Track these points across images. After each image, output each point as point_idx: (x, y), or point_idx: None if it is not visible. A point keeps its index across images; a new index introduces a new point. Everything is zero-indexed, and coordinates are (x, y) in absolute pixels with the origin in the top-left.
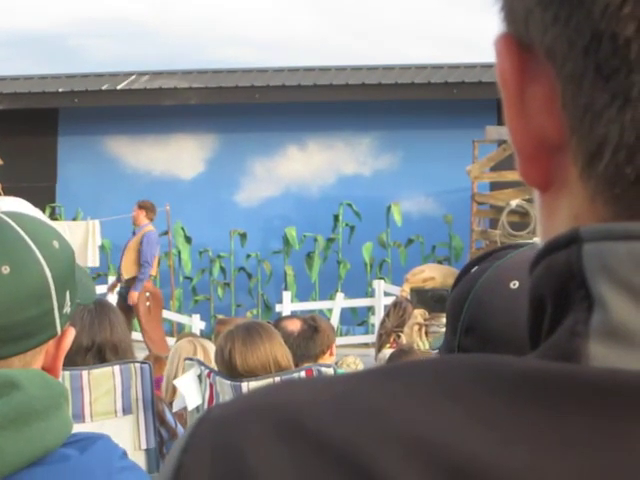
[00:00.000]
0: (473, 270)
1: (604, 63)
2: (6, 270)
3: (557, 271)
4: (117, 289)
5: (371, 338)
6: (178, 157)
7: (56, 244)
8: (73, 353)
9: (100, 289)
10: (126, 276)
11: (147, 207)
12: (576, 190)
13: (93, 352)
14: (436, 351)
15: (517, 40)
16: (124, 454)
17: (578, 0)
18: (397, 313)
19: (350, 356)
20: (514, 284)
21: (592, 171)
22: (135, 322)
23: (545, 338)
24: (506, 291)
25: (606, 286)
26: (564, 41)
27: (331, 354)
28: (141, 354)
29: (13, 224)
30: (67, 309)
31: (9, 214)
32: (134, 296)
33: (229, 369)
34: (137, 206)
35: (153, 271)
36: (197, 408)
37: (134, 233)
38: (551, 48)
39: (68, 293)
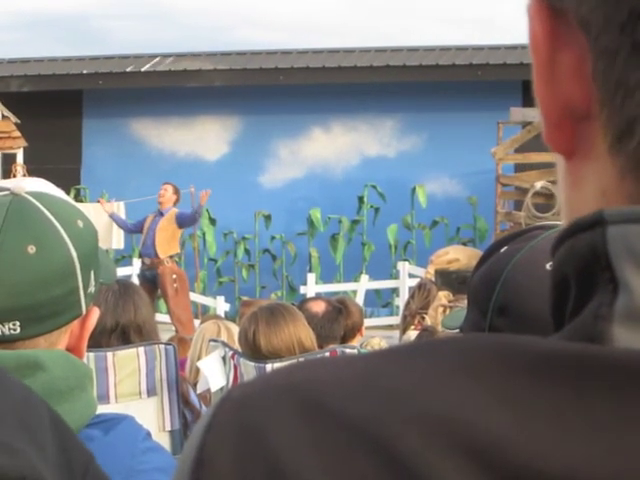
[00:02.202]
0: (502, 250)
1: None
2: (32, 250)
3: (581, 253)
4: (138, 271)
5: (395, 320)
6: (202, 139)
7: (80, 224)
8: (97, 334)
9: (125, 271)
10: (162, 256)
11: (179, 194)
12: (605, 164)
13: (117, 333)
14: (454, 331)
15: (550, 5)
16: (148, 435)
17: None
18: (421, 295)
19: (375, 337)
20: (550, 265)
21: (622, 148)
22: (160, 303)
23: (569, 320)
24: (542, 273)
25: (631, 269)
26: (600, 15)
27: (361, 335)
28: (166, 336)
29: (38, 204)
30: (91, 289)
31: (34, 194)
32: (167, 267)
33: (253, 351)
34: (172, 190)
35: (177, 249)
36: (221, 389)
37: (162, 214)
38: (586, 19)
39: (92, 273)
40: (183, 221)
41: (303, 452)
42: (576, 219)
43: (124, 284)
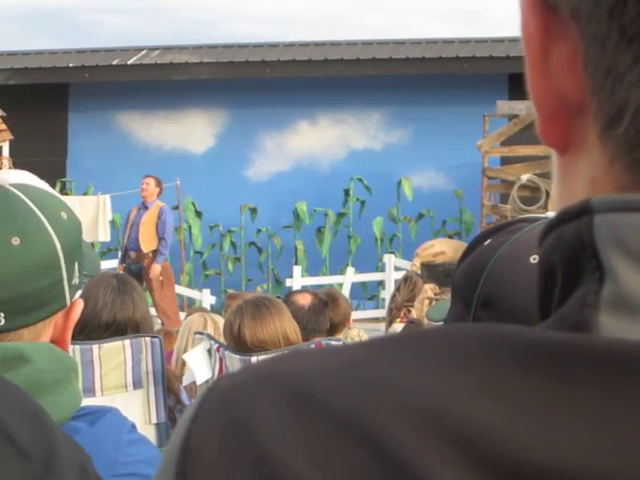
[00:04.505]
0: (486, 243)
1: (629, 25)
2: (16, 241)
3: (568, 242)
4: (124, 264)
5: (381, 313)
6: (189, 132)
7: (64, 215)
8: (90, 329)
9: (111, 264)
10: (146, 250)
11: (161, 186)
12: (594, 153)
13: (112, 330)
14: (439, 323)
15: None
16: (133, 427)
17: None
18: (407, 287)
19: (354, 329)
20: (534, 259)
21: (611, 134)
22: (146, 296)
23: (555, 309)
24: (526, 266)
25: (617, 258)
26: (590, 2)
27: (349, 327)
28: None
29: (22, 196)
30: (75, 280)
31: (18, 186)
32: (156, 269)
33: (238, 344)
34: (154, 182)
35: None
36: (207, 382)
37: (146, 207)
38: (576, 8)
39: (76, 264)
40: (163, 229)
41: (290, 442)
42: (564, 208)
43: (123, 280)
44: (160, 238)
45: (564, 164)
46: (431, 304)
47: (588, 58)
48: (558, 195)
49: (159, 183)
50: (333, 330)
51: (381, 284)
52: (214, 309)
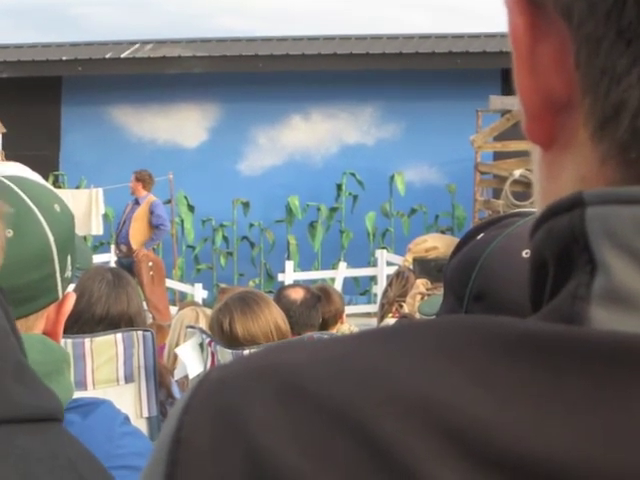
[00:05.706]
0: (479, 237)
1: (626, 28)
2: (9, 233)
3: (560, 234)
4: (116, 258)
5: (373, 308)
6: (182, 126)
7: (57, 208)
8: (83, 322)
9: (103, 257)
10: (135, 246)
11: (145, 180)
12: (585, 151)
13: (105, 323)
14: (431, 317)
15: None
16: (126, 419)
17: None
18: (399, 283)
19: (345, 324)
20: (526, 253)
21: (606, 134)
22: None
23: (547, 302)
24: (518, 260)
25: (609, 250)
26: (583, 3)
27: (342, 322)
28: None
29: (15, 188)
30: (68, 273)
31: (11, 178)
32: (142, 254)
33: (230, 340)
34: (134, 178)
35: None
36: (198, 376)
37: (138, 203)
38: (568, 8)
39: (69, 257)
40: (156, 220)
41: (279, 432)
42: (555, 201)
43: (118, 274)
44: (155, 226)
45: (549, 160)
46: (423, 299)
47: (580, 58)
48: (543, 191)
49: (140, 178)
50: (326, 325)
51: (373, 279)
52: (206, 303)
